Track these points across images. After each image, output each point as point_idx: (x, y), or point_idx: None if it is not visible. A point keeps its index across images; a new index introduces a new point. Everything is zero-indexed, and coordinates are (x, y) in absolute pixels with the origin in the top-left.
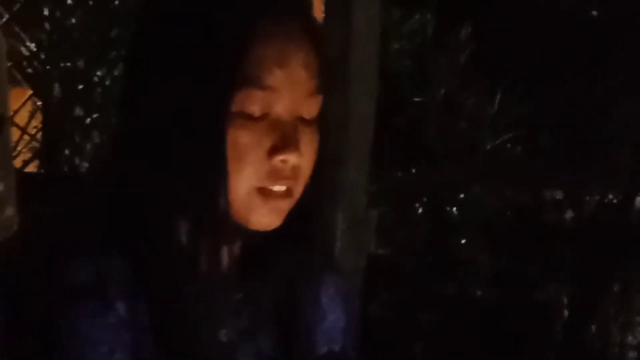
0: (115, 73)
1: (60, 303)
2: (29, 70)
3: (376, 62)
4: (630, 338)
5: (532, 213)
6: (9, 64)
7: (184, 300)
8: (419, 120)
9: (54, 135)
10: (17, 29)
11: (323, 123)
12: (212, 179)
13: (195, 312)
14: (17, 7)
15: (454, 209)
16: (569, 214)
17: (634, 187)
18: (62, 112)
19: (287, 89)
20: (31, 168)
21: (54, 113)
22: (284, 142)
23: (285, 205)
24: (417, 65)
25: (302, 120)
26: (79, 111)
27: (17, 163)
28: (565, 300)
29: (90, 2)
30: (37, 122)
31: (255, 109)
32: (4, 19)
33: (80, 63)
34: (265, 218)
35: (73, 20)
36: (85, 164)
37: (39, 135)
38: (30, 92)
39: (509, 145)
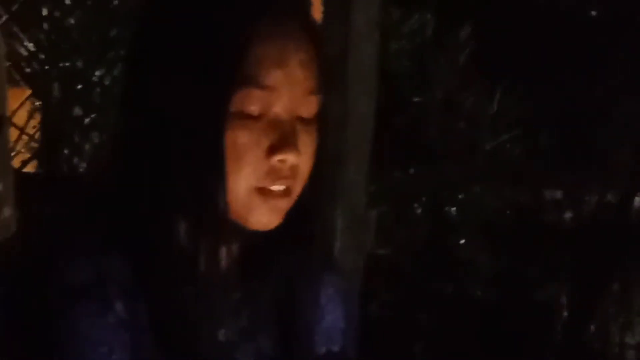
0: (115, 73)
1: (60, 303)
2: (28, 70)
3: (376, 62)
4: (629, 338)
5: (531, 213)
6: (8, 64)
7: (183, 300)
8: (418, 120)
9: (52, 135)
10: (15, 29)
11: (322, 123)
12: (211, 179)
13: (195, 312)
14: (15, 7)
15: (454, 209)
16: (568, 214)
17: (633, 187)
18: (61, 112)
19: (286, 89)
20: (30, 168)
21: (53, 113)
22: (283, 141)
23: (284, 204)
24: (417, 65)
25: (301, 119)
26: (77, 111)
27: (16, 163)
28: (565, 300)
29: (89, 2)
30: (35, 122)
31: (254, 109)
32: (3, 19)
33: (79, 63)
34: (264, 217)
35: (72, 20)
36: (84, 164)
37: (37, 135)
38: (29, 92)
39: (508, 145)
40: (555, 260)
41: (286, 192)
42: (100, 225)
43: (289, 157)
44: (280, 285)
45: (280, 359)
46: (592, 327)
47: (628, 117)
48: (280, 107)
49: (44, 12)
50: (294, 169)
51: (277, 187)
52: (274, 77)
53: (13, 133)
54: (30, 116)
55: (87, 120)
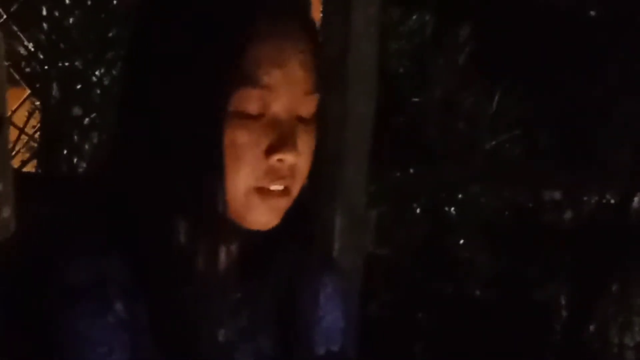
0: (114, 73)
1: (59, 303)
2: (27, 70)
3: (375, 62)
4: (629, 338)
5: (531, 213)
6: (7, 64)
7: (183, 300)
8: (418, 120)
9: (52, 135)
10: (15, 28)
11: (321, 122)
12: (210, 179)
13: (195, 312)
14: (15, 6)
15: (453, 209)
16: (568, 214)
17: (633, 187)
18: (61, 112)
19: (284, 88)
20: (29, 168)
21: (53, 113)
22: (282, 141)
23: (283, 204)
24: (416, 65)
25: (299, 119)
26: (77, 111)
27: (15, 163)
28: (565, 301)
29: (89, 2)
30: (35, 121)
31: (252, 108)
32: (2, 19)
33: (79, 63)
34: (263, 217)
35: (71, 20)
36: (84, 164)
37: (37, 135)
38: (29, 91)
39: (508, 145)
40: (555, 261)
41: (285, 192)
42: (100, 225)
43: (288, 157)
44: (279, 285)
45: (280, 359)
46: (592, 327)
47: (628, 117)
48: (279, 107)
49: (44, 11)
50: (292, 168)
51: (276, 187)
52: (273, 76)
53: (13, 133)
54: (29, 116)
55: (86, 120)
